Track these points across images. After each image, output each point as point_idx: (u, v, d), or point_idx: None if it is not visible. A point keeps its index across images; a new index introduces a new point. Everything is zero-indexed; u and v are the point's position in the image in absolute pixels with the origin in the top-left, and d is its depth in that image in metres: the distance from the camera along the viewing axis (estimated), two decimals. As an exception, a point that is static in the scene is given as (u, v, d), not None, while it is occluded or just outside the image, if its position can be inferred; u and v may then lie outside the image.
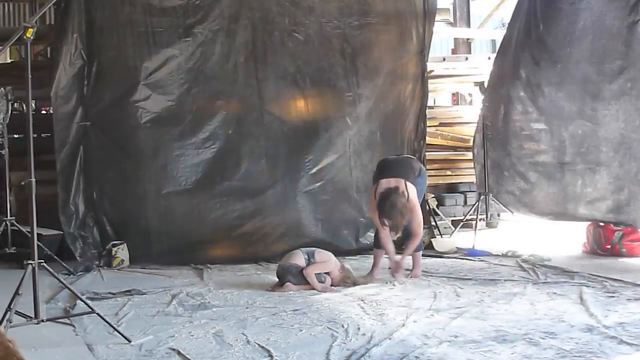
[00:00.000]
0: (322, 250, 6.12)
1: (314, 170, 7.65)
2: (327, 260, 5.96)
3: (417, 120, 8.14)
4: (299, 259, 5.92)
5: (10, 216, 6.74)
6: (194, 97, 7.37)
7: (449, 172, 9.41)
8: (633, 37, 7.04)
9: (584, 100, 7.47)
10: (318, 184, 7.66)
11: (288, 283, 5.82)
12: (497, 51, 8.84)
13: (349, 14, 7.81)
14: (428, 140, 8.44)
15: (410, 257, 6.26)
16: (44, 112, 9.13)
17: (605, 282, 5.76)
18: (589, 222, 7.38)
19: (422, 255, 6.57)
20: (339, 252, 6.96)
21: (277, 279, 5.97)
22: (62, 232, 7.04)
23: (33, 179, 4.29)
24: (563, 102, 7.65)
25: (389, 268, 6.24)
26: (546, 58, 7.82)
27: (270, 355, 4.03)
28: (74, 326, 4.67)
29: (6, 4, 13.21)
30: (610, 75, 7.23)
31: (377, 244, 6.31)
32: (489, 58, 9.77)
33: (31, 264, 4.26)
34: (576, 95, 7.54)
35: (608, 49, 7.25)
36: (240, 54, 7.49)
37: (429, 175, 7.65)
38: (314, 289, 5.77)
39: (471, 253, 7.42)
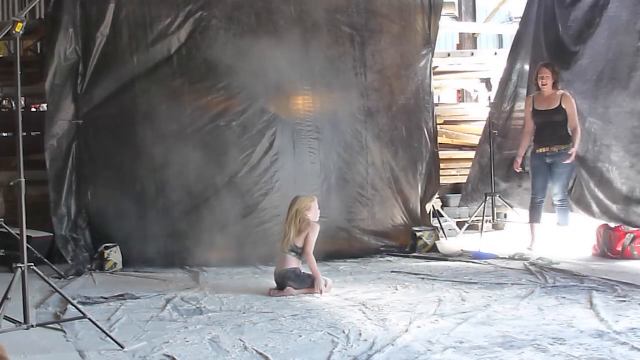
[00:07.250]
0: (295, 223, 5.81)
1: (320, 167, 7.43)
2: (310, 229, 5.76)
3: (430, 116, 8.01)
4: (291, 261, 5.78)
5: (-1, 217, 6.68)
6: (194, 90, 7.19)
7: (454, 172, 9.31)
8: None
9: (596, 98, 7.34)
10: (326, 182, 7.45)
11: (289, 287, 5.72)
12: (510, 47, 8.74)
13: (356, 2, 7.67)
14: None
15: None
16: (33, 109, 9.04)
17: (616, 286, 5.64)
18: (599, 224, 7.27)
19: (426, 257, 7.36)
20: (348, 256, 7.25)
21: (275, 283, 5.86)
22: (52, 234, 6.96)
23: (22, 179, 4.20)
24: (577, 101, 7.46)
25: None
26: (560, 55, 7.70)
27: (268, 362, 3.94)
28: (64, 332, 4.59)
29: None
30: (625, 72, 7.10)
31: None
32: (495, 53, 9.76)
33: (20, 267, 4.19)
34: (588, 93, 7.41)
35: (624, 46, 7.12)
36: (244, 44, 7.28)
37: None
38: (315, 292, 5.65)
39: (477, 256, 7.29)
